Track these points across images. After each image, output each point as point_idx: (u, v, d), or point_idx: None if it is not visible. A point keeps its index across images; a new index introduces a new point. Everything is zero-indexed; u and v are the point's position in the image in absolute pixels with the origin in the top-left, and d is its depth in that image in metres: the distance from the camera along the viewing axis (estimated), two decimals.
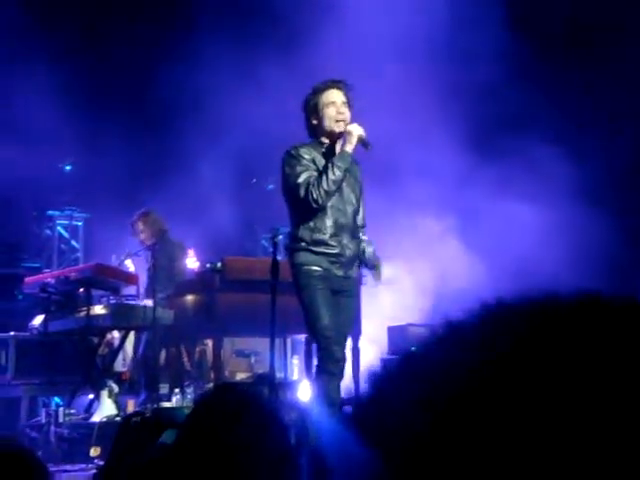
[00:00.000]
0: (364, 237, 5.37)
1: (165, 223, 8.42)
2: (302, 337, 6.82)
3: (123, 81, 10.25)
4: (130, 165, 10.18)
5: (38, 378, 7.76)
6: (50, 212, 11.26)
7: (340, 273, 5.12)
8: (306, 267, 5.07)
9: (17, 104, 9.64)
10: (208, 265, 7.14)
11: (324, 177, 5.01)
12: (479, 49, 9.24)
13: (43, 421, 7.44)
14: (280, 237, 5.38)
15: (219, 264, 6.94)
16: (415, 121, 9.25)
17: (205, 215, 9.96)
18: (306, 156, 5.11)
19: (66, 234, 11.38)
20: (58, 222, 11.33)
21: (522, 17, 9.48)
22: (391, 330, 9.29)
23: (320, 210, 5.08)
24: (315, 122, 5.19)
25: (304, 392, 6.36)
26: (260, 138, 9.42)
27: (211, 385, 7.28)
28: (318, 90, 5.18)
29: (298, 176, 5.06)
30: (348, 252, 5.16)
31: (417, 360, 0.77)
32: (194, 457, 2.05)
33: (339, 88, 5.19)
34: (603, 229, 8.86)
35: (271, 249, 5.39)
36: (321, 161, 5.12)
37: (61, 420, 7.13)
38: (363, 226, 5.41)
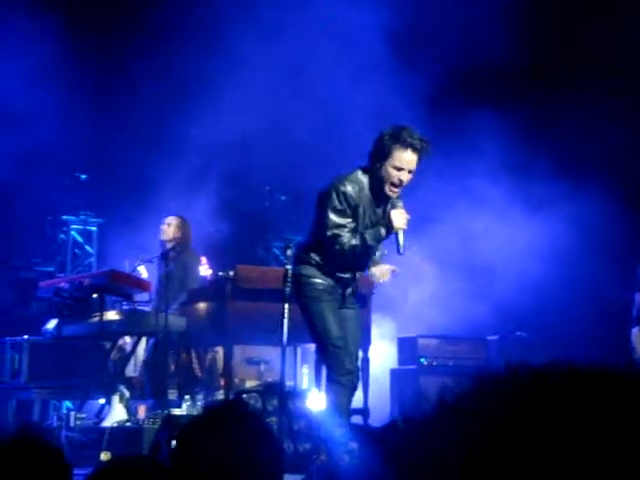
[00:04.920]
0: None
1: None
2: (312, 346, 6.86)
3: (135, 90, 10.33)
4: (145, 173, 10.24)
5: (51, 382, 7.81)
6: (65, 217, 11.34)
7: (343, 291, 5.18)
8: (312, 279, 5.10)
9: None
10: (220, 273, 7.20)
11: (353, 241, 4.95)
12: None
13: (54, 425, 7.50)
14: (292, 247, 5.45)
15: (231, 272, 7.00)
16: None
17: (218, 223, 10.01)
18: (351, 201, 4.96)
19: (80, 239, 11.46)
20: (72, 227, 11.41)
21: None
22: (401, 341, 9.32)
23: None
24: (378, 165, 5.00)
25: (313, 401, 6.41)
26: (276, 148, 9.47)
27: (221, 392, 7.34)
28: (397, 140, 4.90)
29: (333, 223, 4.97)
30: (355, 276, 5.25)
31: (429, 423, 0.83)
32: (187, 466, 2.08)
33: (416, 151, 4.92)
34: None
35: (282, 257, 5.44)
36: (363, 197, 5.03)
37: (72, 424, 7.20)
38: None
